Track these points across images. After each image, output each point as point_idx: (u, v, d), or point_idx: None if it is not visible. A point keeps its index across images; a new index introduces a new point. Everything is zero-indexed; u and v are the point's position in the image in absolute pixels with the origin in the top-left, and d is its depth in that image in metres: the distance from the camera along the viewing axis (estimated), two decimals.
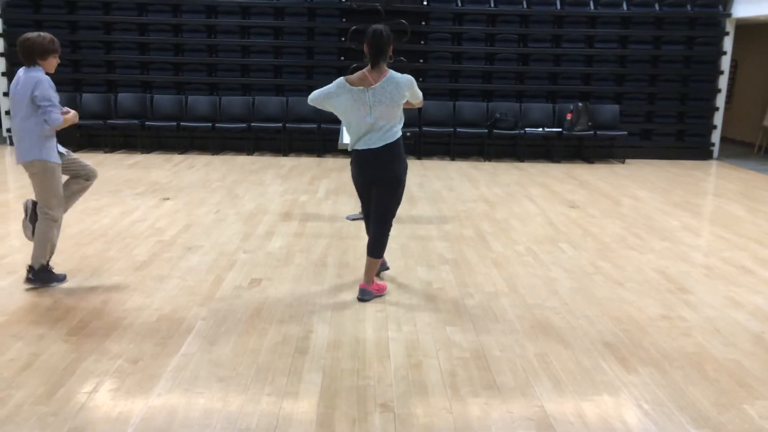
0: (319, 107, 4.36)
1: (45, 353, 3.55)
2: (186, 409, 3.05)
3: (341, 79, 4.21)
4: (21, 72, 4.36)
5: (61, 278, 4.61)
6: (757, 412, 3.14)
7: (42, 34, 4.32)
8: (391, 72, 4.18)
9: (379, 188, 4.29)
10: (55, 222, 4.52)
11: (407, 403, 3.14)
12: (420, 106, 4.50)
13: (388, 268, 4.91)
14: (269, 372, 3.41)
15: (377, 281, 4.61)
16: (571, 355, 3.68)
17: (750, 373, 3.52)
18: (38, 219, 4.46)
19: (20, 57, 4.33)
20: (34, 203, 4.49)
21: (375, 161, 4.21)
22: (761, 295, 4.73)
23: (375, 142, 4.17)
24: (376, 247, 4.42)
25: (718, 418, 3.07)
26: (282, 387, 3.26)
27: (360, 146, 4.22)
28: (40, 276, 4.48)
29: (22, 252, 5.14)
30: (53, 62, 4.39)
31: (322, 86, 4.36)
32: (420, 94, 4.33)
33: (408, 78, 4.20)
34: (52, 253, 4.61)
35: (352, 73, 4.30)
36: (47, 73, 4.35)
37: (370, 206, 4.45)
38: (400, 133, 4.26)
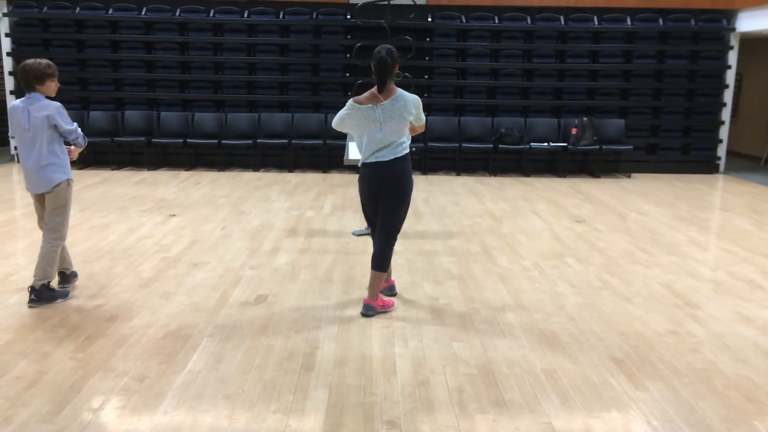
0: (341, 130, 4.51)
1: (51, 371, 3.55)
2: (192, 427, 3.04)
3: (351, 100, 4.35)
4: (23, 103, 4.37)
5: (65, 294, 4.62)
6: (767, 428, 3.10)
7: (38, 60, 4.38)
8: (400, 90, 4.31)
9: (385, 200, 4.34)
10: (63, 241, 4.57)
11: (414, 420, 3.12)
12: (422, 131, 4.63)
13: (395, 294, 4.86)
14: (275, 389, 3.40)
15: (384, 298, 4.60)
16: (578, 371, 3.66)
17: (760, 389, 3.49)
18: (45, 241, 4.49)
19: (21, 83, 4.41)
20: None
21: (383, 173, 4.30)
22: None
23: (385, 155, 4.29)
24: (381, 261, 4.43)
25: None
26: (288, 404, 3.25)
27: (370, 159, 4.35)
28: (43, 295, 4.48)
29: (28, 269, 5.15)
30: (52, 86, 4.42)
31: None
32: (423, 117, 4.46)
33: (415, 97, 4.36)
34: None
35: (357, 89, 4.38)
36: (48, 97, 4.40)
37: (377, 220, 4.48)
38: (408, 149, 4.38)
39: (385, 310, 4.50)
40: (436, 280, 5.20)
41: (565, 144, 10.53)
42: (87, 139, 4.59)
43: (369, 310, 4.43)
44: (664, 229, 7.03)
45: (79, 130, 4.51)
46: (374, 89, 4.30)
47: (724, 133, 11.18)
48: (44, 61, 4.38)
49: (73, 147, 4.62)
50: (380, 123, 4.24)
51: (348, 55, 10.60)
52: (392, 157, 4.28)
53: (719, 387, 3.51)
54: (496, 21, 10.83)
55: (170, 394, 3.32)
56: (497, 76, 10.92)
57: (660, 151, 11.18)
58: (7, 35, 10.63)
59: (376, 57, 4.23)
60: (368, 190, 4.41)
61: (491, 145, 10.47)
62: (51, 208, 4.48)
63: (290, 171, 10.57)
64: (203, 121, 10.66)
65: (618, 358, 3.83)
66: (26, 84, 4.35)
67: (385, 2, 8.86)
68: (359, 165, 4.47)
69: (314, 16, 10.69)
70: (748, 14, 10.51)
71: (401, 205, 4.38)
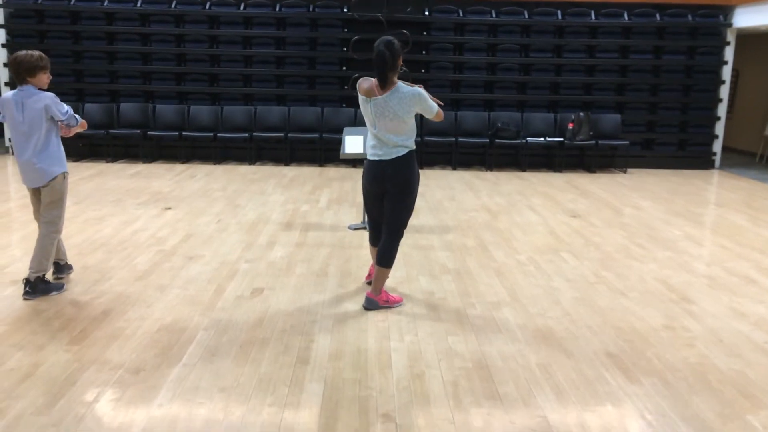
0: None
1: (45, 363, 3.54)
2: (187, 420, 3.03)
3: (357, 83, 4.22)
4: (14, 96, 4.34)
5: (60, 287, 4.61)
6: (761, 422, 3.12)
7: (30, 52, 4.35)
8: (399, 84, 4.08)
9: (390, 198, 4.26)
10: (60, 234, 4.56)
11: (409, 413, 3.13)
12: (440, 119, 4.32)
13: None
14: (271, 382, 3.40)
15: (392, 294, 4.56)
16: (573, 366, 3.67)
17: (754, 384, 3.50)
18: (42, 234, 4.47)
19: (13, 75, 4.39)
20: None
21: (386, 172, 4.19)
22: (764, 304, 4.71)
23: (386, 154, 4.17)
24: (386, 257, 4.36)
25: (722, 429, 3.05)
26: (283, 397, 3.25)
27: (372, 156, 4.24)
28: (38, 288, 4.47)
29: (23, 261, 5.13)
30: (43, 78, 4.39)
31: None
32: (433, 107, 4.17)
33: (415, 91, 4.08)
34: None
35: (353, 83, 4.32)
36: (40, 89, 4.37)
37: (378, 215, 4.44)
38: (412, 146, 4.22)
39: (389, 305, 4.45)
40: (431, 275, 5.20)
41: (562, 139, 10.54)
42: (79, 119, 4.51)
43: (371, 305, 4.40)
44: (660, 225, 7.05)
45: (71, 110, 4.48)
46: (375, 81, 4.11)
47: (720, 128, 11.20)
48: (36, 53, 4.35)
49: (72, 128, 4.56)
50: (373, 119, 4.13)
51: (345, 49, 10.57)
52: (394, 156, 4.14)
53: (713, 382, 3.52)
54: (493, 15, 10.81)
55: (165, 387, 3.32)
56: (494, 70, 10.90)
57: (656, 147, 11.19)
58: (1, 27, 10.56)
59: (375, 50, 4.02)
60: (371, 187, 4.31)
61: (488, 140, 10.47)
62: (47, 201, 4.46)
63: (286, 164, 10.55)
64: (199, 113, 10.63)
65: (613, 353, 3.84)
66: (18, 76, 4.33)
67: None
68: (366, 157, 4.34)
69: (311, 9, 10.65)
70: (745, 10, 10.51)
71: (406, 203, 4.27)
